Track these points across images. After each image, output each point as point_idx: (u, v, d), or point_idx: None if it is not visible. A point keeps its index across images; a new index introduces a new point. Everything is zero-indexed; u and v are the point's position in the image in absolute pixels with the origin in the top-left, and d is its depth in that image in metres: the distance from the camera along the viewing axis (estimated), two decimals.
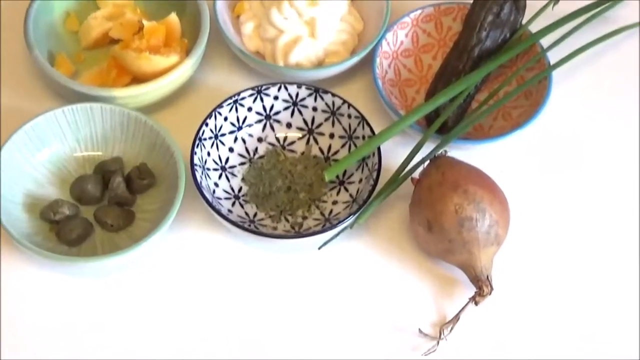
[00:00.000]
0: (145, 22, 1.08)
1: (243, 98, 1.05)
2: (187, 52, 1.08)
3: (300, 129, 1.08)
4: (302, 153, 1.07)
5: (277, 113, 1.07)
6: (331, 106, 1.06)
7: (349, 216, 0.97)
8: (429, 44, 1.14)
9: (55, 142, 1.03)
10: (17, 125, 0.99)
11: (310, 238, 0.97)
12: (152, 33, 1.08)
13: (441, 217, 0.94)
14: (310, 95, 1.06)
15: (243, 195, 1.04)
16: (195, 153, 1.01)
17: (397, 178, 1.01)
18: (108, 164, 1.03)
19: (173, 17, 1.10)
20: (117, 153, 1.04)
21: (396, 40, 1.12)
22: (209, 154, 1.03)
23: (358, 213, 0.98)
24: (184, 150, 1.01)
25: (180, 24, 1.11)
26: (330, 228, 0.97)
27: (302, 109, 1.07)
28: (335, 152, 1.06)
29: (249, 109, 1.06)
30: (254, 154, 1.07)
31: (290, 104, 1.07)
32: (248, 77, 1.13)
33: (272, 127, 1.08)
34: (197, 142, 1.01)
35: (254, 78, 1.13)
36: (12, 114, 1.07)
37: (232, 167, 1.05)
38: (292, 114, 1.07)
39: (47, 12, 1.11)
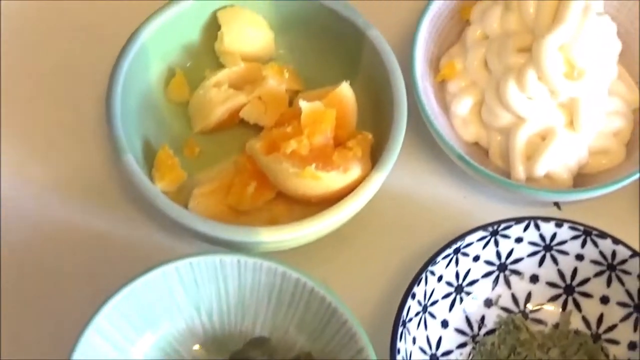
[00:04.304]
0: (302, 102, 0.65)
1: (469, 244, 0.64)
2: (368, 150, 0.67)
3: (553, 285, 0.67)
4: (556, 325, 0.67)
5: (517, 261, 0.67)
6: (609, 257, 0.65)
7: None
8: None
9: (165, 320, 0.62)
10: (98, 278, 0.62)
11: None
12: (315, 123, 0.65)
13: None
14: (575, 237, 0.65)
15: None
16: (399, 351, 0.60)
17: None
18: (250, 351, 0.63)
19: (345, 90, 0.67)
20: (260, 331, 0.64)
21: None
22: (414, 340, 0.63)
23: None
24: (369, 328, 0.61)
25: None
26: None
27: (557, 256, 0.66)
28: (611, 328, 0.66)
29: (475, 259, 0.65)
30: (479, 328, 0.66)
31: (541, 249, 0.66)
32: (452, 181, 0.72)
33: (507, 282, 0.67)
34: (399, 328, 0.61)
35: (462, 184, 0.72)
36: (89, 249, 0.67)
37: (447, 353, 0.65)
38: (540, 263, 0.67)
39: (141, 73, 0.68)
